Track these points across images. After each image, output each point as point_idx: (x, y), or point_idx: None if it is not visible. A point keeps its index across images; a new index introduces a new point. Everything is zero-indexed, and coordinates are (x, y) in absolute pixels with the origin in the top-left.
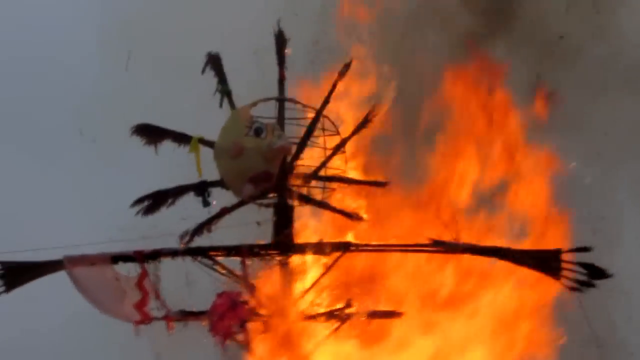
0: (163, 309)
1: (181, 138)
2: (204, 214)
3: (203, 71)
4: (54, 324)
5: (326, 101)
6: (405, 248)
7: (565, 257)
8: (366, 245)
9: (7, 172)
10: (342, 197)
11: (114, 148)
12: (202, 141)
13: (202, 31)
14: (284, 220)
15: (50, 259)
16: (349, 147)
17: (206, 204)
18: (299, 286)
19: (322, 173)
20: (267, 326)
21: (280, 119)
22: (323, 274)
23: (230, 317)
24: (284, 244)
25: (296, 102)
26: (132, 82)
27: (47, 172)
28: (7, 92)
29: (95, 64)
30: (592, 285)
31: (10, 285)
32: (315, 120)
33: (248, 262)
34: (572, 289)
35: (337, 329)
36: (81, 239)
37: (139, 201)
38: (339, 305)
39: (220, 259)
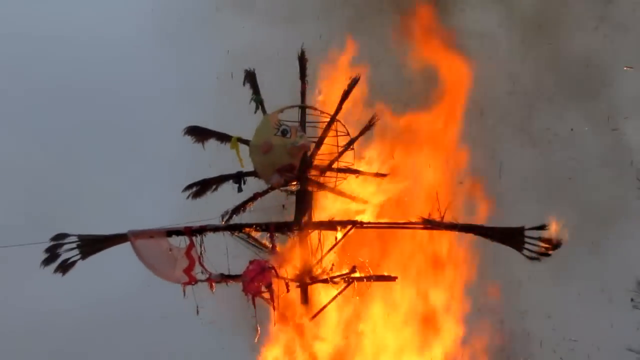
0: (206, 273)
1: (223, 137)
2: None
3: (244, 84)
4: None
5: (339, 108)
6: (401, 225)
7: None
8: (369, 222)
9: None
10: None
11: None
12: (240, 140)
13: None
14: (304, 204)
15: (117, 233)
16: None
17: (240, 189)
18: (315, 255)
19: (335, 166)
20: (288, 287)
21: (302, 122)
22: (334, 246)
23: (259, 279)
24: (304, 222)
25: (315, 109)
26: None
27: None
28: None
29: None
30: (548, 255)
31: (85, 254)
32: (329, 124)
33: (275, 236)
34: (532, 258)
35: (343, 289)
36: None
37: (188, 187)
38: (346, 271)
39: (253, 233)
